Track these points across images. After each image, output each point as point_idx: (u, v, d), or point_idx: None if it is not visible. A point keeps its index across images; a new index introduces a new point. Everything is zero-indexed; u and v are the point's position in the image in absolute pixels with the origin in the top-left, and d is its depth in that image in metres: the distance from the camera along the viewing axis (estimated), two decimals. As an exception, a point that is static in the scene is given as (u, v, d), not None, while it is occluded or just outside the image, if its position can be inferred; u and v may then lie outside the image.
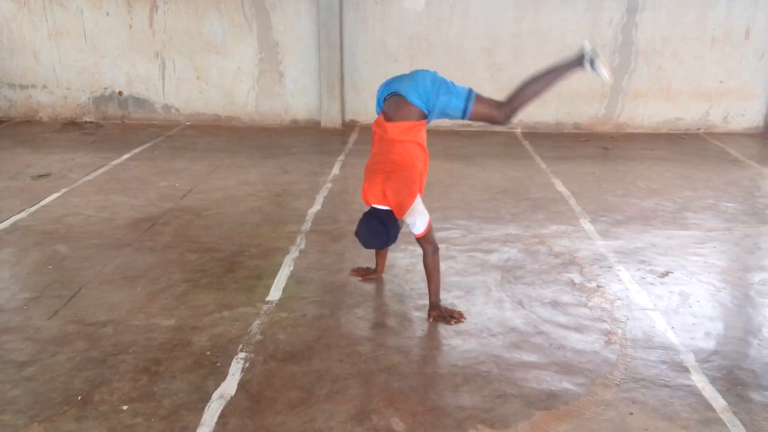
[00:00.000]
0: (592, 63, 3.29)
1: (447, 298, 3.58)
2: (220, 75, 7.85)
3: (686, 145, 7.20)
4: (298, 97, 7.86)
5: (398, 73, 7.39)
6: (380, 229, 3.25)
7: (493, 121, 3.48)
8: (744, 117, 7.76)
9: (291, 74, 7.78)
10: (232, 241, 4.37)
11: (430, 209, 4.97)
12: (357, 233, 3.30)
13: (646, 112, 7.74)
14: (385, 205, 3.28)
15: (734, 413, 2.60)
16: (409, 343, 3.14)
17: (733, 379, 2.84)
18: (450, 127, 7.88)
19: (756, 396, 2.72)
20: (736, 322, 3.36)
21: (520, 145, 7.21)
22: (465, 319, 3.36)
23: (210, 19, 7.64)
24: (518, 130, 7.84)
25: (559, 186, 5.65)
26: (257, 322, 3.31)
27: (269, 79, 7.82)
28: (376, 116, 3.62)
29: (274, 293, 3.63)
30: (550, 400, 2.69)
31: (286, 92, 7.85)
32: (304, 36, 7.61)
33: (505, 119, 3.49)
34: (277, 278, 3.81)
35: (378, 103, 3.55)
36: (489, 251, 4.26)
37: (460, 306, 3.49)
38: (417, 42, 7.57)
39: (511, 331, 3.26)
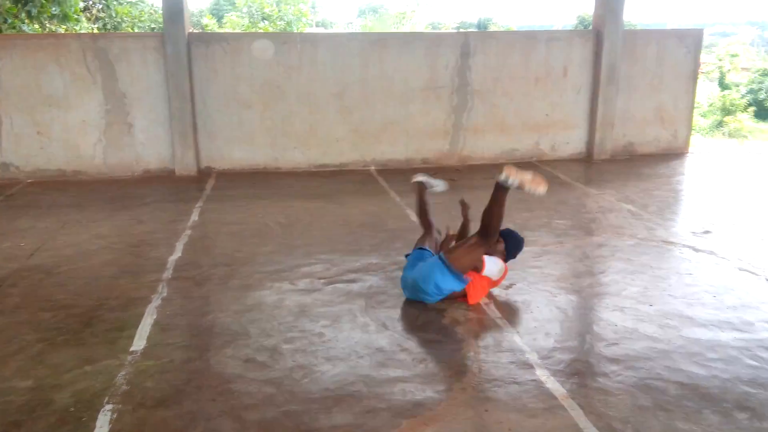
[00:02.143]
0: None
1: (315, 328, 3.72)
2: (63, 129, 7.54)
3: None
4: (149, 147, 7.73)
5: (251, 119, 7.58)
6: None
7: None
8: (569, 144, 8.69)
9: (140, 125, 7.65)
10: (89, 296, 4.23)
11: (294, 246, 5.17)
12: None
13: (486, 145, 8.45)
14: None
15: (573, 398, 2.95)
16: (280, 374, 3.23)
17: (571, 371, 3.21)
18: (307, 169, 8.10)
19: (590, 382, 3.11)
20: (571, 321, 3.80)
21: (376, 182, 7.56)
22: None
23: (50, 72, 7.36)
24: (372, 168, 8.21)
25: (413, 216, 6.00)
26: (122, 373, 3.24)
27: (117, 131, 7.63)
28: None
29: (138, 343, 3.57)
30: (415, 409, 2.90)
31: (136, 143, 7.69)
32: (152, 86, 7.54)
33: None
34: (140, 328, 3.74)
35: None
36: (352, 281, 4.46)
37: (327, 335, 3.64)
38: (269, 88, 7.77)
39: (377, 352, 3.45)
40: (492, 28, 38.60)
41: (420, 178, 4.71)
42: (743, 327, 3.68)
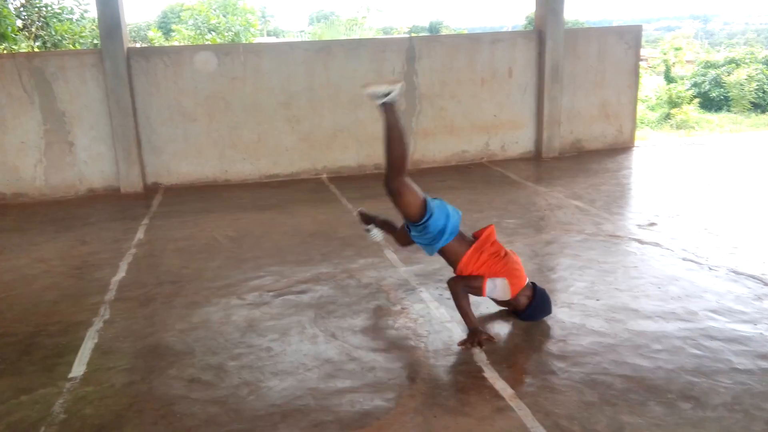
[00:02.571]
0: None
1: (263, 343, 3.64)
2: (1, 151, 7.29)
3: (473, 174, 7.97)
4: (92, 165, 7.52)
5: (198, 132, 7.45)
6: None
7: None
8: (518, 144, 8.78)
9: (82, 143, 7.44)
10: (27, 323, 4.07)
11: (243, 260, 5.07)
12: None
13: (436, 148, 8.47)
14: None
15: (520, 398, 2.95)
16: (225, 393, 3.15)
17: (518, 371, 3.22)
18: (258, 180, 8.00)
19: (537, 381, 3.11)
20: (519, 321, 3.79)
21: (327, 190, 7.50)
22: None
23: (-16, 93, 7.11)
24: (324, 176, 8.15)
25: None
26: (60, 401, 3.12)
27: (58, 151, 7.40)
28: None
29: (78, 368, 3.44)
30: (363, 419, 2.85)
31: (79, 162, 7.48)
32: (92, 104, 7.34)
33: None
34: (80, 353, 3.61)
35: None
36: (302, 292, 4.39)
37: (275, 349, 3.57)
38: (214, 101, 7.65)
39: (325, 363, 3.39)
40: (443, 31, 38.96)
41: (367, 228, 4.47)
42: (687, 317, 3.74)
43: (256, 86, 7.73)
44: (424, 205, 3.64)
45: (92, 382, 3.30)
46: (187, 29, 17.57)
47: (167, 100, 7.53)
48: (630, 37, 8.85)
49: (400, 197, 3.63)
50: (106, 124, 7.40)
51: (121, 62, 7.14)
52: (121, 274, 4.88)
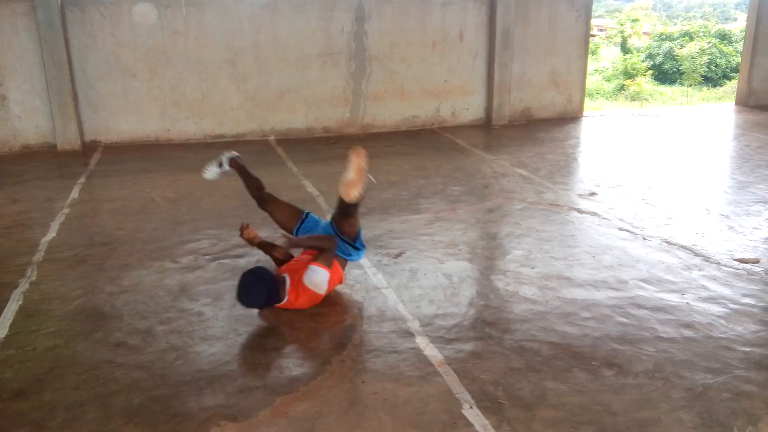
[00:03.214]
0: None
1: (195, 307, 3.57)
2: (-74, 102, 6.90)
3: (422, 140, 7.94)
4: (26, 120, 7.20)
5: (138, 88, 7.18)
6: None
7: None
8: (469, 110, 8.77)
9: (15, 96, 7.10)
10: (-53, 284, 3.90)
11: (180, 222, 4.95)
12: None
13: (386, 112, 8.39)
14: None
15: (449, 364, 2.97)
16: (152, 358, 3.08)
17: (450, 337, 3.23)
18: (202, 140, 7.79)
19: (466, 346, 3.13)
20: (455, 287, 3.81)
21: (274, 152, 7.37)
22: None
23: None
24: (271, 138, 8.00)
25: (309, 187, 5.90)
26: (-23, 365, 3.01)
27: (-11, 103, 7.05)
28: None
29: (0, 332, 3.32)
30: (290, 385, 2.83)
31: (12, 116, 7.15)
32: (25, 55, 6.99)
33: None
34: (2, 315, 3.48)
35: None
36: (239, 256, 4.32)
37: (207, 313, 3.51)
38: (154, 55, 7.37)
39: (257, 329, 3.35)
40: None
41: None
42: (618, 285, 3.82)
43: (199, 41, 7.47)
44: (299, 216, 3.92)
45: (14, 345, 3.19)
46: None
47: (105, 54, 7.22)
48: (581, 5, 8.86)
49: (274, 214, 4.01)
50: (40, 78, 7.07)
51: (54, 12, 6.80)
52: (52, 234, 4.71)
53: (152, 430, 2.55)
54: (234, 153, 4.22)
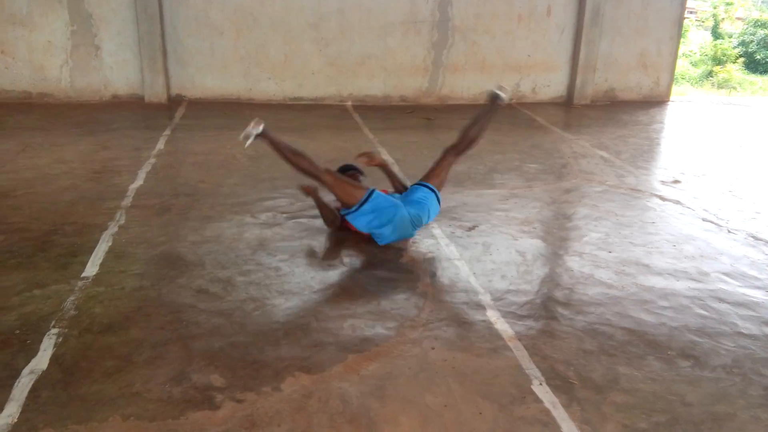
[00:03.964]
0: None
1: (272, 262, 3.68)
2: (28, 49, 7.26)
3: (500, 115, 7.78)
4: (117, 71, 7.49)
5: (224, 47, 7.32)
6: None
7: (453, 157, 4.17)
8: (550, 87, 8.56)
9: (108, 48, 7.38)
10: (44, 221, 4.14)
11: (260, 180, 5.08)
12: None
13: (465, 85, 8.29)
14: None
15: (519, 340, 2.97)
16: (231, 306, 3.21)
17: (521, 313, 3.22)
18: (282, 101, 7.92)
19: (537, 324, 3.12)
20: (528, 265, 3.79)
21: (351, 118, 7.42)
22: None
23: (12, -12, 7.03)
24: (349, 104, 8.05)
25: (384, 154, 5.93)
26: (71, 298, 3.20)
27: (84, 53, 7.36)
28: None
29: (91, 269, 3.51)
30: (362, 344, 2.90)
31: (104, 66, 7.45)
32: (119, 7, 7.24)
33: (459, 153, 4.21)
34: (93, 254, 3.68)
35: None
36: (315, 216, 4.39)
37: (284, 269, 3.61)
38: (242, 15, 7.50)
39: (331, 287, 3.43)
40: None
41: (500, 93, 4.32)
42: (699, 277, 3.70)
43: (285, 3, 7.55)
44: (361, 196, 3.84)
45: (104, 283, 3.38)
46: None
47: (195, 11, 7.40)
48: (679, -15, 8.45)
49: (332, 190, 3.89)
50: (133, 31, 7.31)
51: (150, -34, 6.99)
52: (139, 182, 4.92)
53: (231, 373, 2.67)
54: (260, 128, 4.05)
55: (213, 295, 3.30)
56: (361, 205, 3.81)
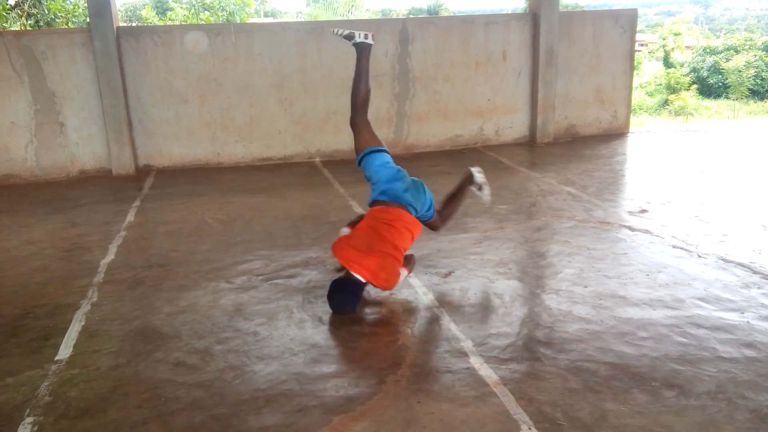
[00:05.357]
0: (479, 187, 4.57)
1: (250, 327, 3.64)
2: (-9, 131, 7.23)
3: (466, 159, 7.94)
4: (83, 147, 7.48)
5: (189, 114, 7.38)
6: (351, 298, 3.72)
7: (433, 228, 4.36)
8: (512, 129, 8.75)
9: (73, 124, 7.39)
10: (15, 305, 4.06)
11: (233, 243, 5.06)
12: (330, 300, 3.75)
13: (430, 132, 8.43)
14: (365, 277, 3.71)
15: (505, 385, 2.95)
16: (211, 377, 3.15)
17: (504, 357, 3.22)
18: (251, 163, 7.97)
19: (521, 367, 3.11)
20: (507, 307, 3.80)
21: (320, 174, 7.48)
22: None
23: (-28, 73, 7.04)
24: (317, 160, 8.12)
25: (356, 207, 5.96)
26: (45, 383, 3.12)
27: (49, 131, 7.36)
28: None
29: (64, 351, 3.44)
30: (347, 404, 2.86)
31: (70, 143, 7.43)
32: (82, 83, 7.28)
33: (439, 228, 4.40)
34: (66, 336, 3.60)
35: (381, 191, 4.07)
36: (291, 276, 4.38)
37: (262, 333, 3.57)
38: (205, 82, 7.59)
39: (311, 348, 3.39)
40: (443, 14, 38.65)
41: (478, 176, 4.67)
42: (674, 304, 3.75)
43: (247, 67, 7.66)
44: (377, 150, 4.24)
45: (78, 365, 3.30)
46: (181, 8, 17.38)
47: (158, 81, 7.47)
48: (625, 21, 8.79)
49: (357, 135, 4.43)
50: (96, 105, 7.34)
51: (110, 41, 7.07)
52: (111, 256, 4.86)
53: (214, 448, 2.60)
54: (369, 41, 4.37)
55: (191, 367, 3.24)
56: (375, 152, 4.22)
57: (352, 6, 31.94)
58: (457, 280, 4.20)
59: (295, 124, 8.01)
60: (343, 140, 8.18)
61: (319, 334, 3.55)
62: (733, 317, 3.57)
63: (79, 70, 7.25)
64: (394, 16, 32.25)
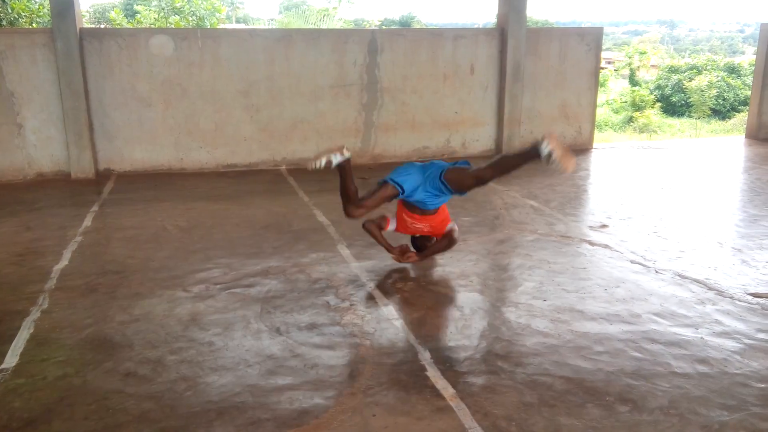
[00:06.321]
0: (548, 157, 4.00)
1: (205, 337, 3.57)
2: (-56, 130, 7.02)
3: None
4: (41, 149, 7.30)
5: (153, 118, 7.26)
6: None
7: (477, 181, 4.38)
8: (479, 142, 8.81)
9: (32, 125, 7.21)
10: (-40, 311, 3.91)
11: (192, 251, 4.97)
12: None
13: (397, 143, 8.44)
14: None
15: (461, 398, 2.93)
16: (162, 388, 3.07)
17: (461, 370, 3.20)
18: (215, 169, 7.86)
19: (478, 380, 3.10)
20: (467, 320, 3.79)
21: (285, 182, 7.41)
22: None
23: (-73, 69, 6.83)
24: (283, 168, 8.06)
25: (320, 216, 5.92)
26: (-12, 394, 3.00)
27: (6, 132, 7.17)
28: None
29: (10, 360, 3.31)
30: (301, 417, 2.80)
31: (28, 144, 7.25)
32: (42, 84, 7.12)
33: (491, 178, 4.38)
34: (13, 344, 3.48)
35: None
36: (249, 286, 4.31)
37: (217, 343, 3.50)
38: (170, 86, 7.49)
39: (267, 359, 3.33)
40: (415, 26, 38.91)
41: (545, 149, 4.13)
42: (631, 319, 3.78)
43: (214, 73, 7.58)
44: (394, 190, 4.39)
45: (24, 374, 3.19)
46: (150, 11, 17.16)
47: (121, 84, 7.34)
48: (591, 39, 8.94)
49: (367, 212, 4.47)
50: (57, 107, 7.18)
51: (73, 43, 6.93)
52: (64, 262, 4.73)
53: (161, 462, 2.53)
54: (346, 156, 4.54)
55: (142, 378, 3.15)
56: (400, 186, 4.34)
57: (325, 15, 31.94)
58: (417, 292, 4.18)
59: (261, 132, 7.94)
60: (309, 149, 8.14)
61: (276, 345, 3.49)
62: (687, 333, 3.61)
63: (39, 71, 7.09)
64: (366, 26, 32.35)
